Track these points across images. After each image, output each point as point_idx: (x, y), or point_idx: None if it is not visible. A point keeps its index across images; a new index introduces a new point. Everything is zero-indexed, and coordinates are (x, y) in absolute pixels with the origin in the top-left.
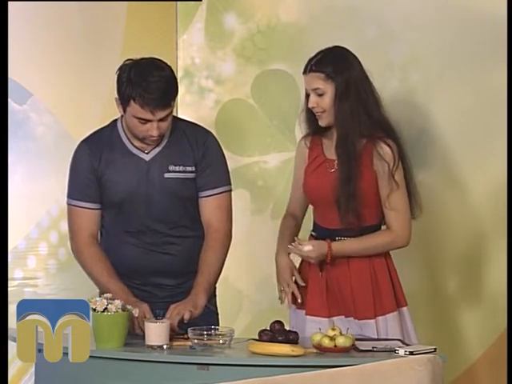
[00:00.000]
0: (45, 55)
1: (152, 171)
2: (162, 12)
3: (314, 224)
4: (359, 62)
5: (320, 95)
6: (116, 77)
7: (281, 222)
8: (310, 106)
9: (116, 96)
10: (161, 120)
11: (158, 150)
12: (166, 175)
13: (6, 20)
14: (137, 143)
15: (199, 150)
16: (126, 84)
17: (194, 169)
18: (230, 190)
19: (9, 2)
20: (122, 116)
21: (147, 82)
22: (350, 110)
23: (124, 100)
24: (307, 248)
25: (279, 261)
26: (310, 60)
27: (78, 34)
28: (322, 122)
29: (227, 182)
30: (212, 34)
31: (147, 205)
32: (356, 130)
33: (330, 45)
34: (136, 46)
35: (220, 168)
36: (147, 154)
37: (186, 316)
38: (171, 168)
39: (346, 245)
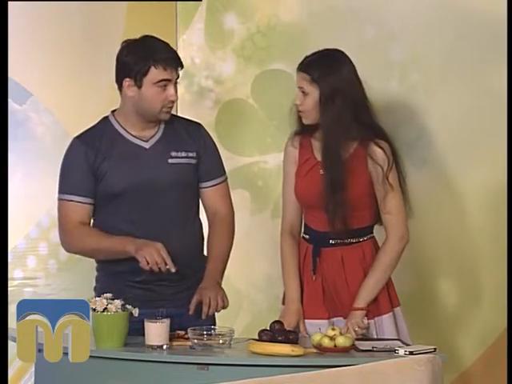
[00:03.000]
0: (45, 55)
1: (154, 158)
2: (162, 12)
3: (306, 226)
4: (354, 70)
5: (304, 95)
6: (117, 61)
7: (281, 245)
8: (294, 102)
9: (126, 79)
10: (175, 83)
11: (157, 137)
12: (170, 161)
13: (6, 20)
14: (135, 132)
15: (200, 140)
16: (141, 54)
17: (195, 155)
18: (227, 178)
19: (9, 2)
20: (112, 112)
21: (159, 46)
22: (336, 116)
23: (141, 73)
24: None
25: (289, 305)
26: (305, 58)
27: (77, 33)
28: (305, 121)
29: (224, 170)
30: (212, 34)
31: (151, 193)
32: (341, 137)
33: (330, 45)
34: None
35: (218, 158)
36: (146, 141)
37: (226, 303)
38: (174, 154)
39: (370, 290)
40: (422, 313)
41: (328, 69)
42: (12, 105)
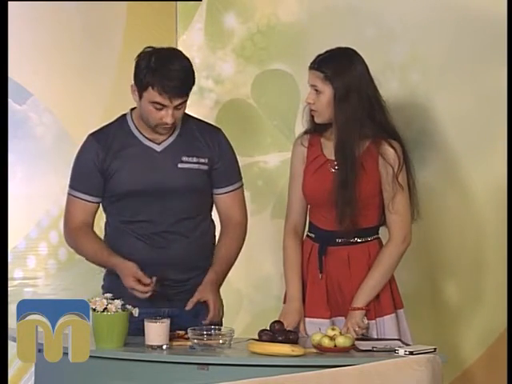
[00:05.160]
0: (45, 55)
1: (164, 161)
2: (162, 12)
3: (311, 224)
4: (366, 68)
5: (318, 93)
6: (134, 63)
7: (284, 243)
8: (307, 100)
9: (132, 83)
10: (176, 108)
11: (169, 141)
12: (180, 165)
13: (6, 20)
14: (148, 134)
15: (214, 146)
16: (146, 70)
17: (207, 161)
18: (243, 184)
19: (9, 2)
20: (131, 110)
21: (168, 69)
22: (350, 114)
23: (142, 86)
24: (362, 331)
25: (291, 303)
26: (317, 57)
27: (78, 33)
28: (317, 120)
29: (241, 176)
30: (212, 34)
31: (158, 195)
32: (355, 134)
33: (330, 45)
34: (136, 46)
35: (235, 164)
36: (159, 144)
37: (221, 316)
38: (184, 159)
39: (369, 290)
40: (423, 312)
41: (341, 66)
42: (12, 105)
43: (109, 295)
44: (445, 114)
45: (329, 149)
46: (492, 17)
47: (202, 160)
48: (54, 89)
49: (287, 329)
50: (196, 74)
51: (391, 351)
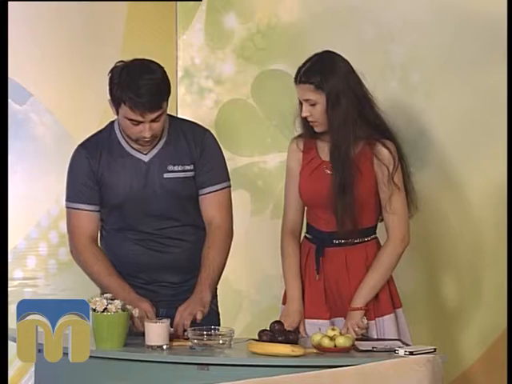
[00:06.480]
0: (45, 55)
1: (151, 172)
2: (162, 12)
3: (308, 225)
4: (349, 66)
5: (312, 105)
6: (108, 79)
7: (282, 244)
8: (303, 115)
9: (108, 98)
10: (153, 121)
11: (156, 150)
12: (166, 175)
13: (6, 20)
14: (135, 144)
15: (197, 148)
16: (117, 87)
17: (192, 167)
18: (229, 186)
19: (9, 2)
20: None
21: (137, 85)
22: (343, 116)
23: (115, 102)
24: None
25: (291, 304)
26: (299, 70)
27: (78, 33)
28: (317, 129)
29: (226, 178)
30: (212, 35)
31: (148, 205)
32: (350, 136)
33: (330, 45)
34: (136, 46)
35: (218, 165)
36: (146, 154)
37: (199, 316)
38: (170, 168)
39: (369, 290)
40: (422, 312)
41: (327, 71)
42: (12, 105)
43: (108, 295)
44: (444, 114)
45: (324, 151)
46: (492, 17)
47: (187, 167)
48: (54, 89)
49: (287, 329)
50: (196, 74)
51: (391, 351)
